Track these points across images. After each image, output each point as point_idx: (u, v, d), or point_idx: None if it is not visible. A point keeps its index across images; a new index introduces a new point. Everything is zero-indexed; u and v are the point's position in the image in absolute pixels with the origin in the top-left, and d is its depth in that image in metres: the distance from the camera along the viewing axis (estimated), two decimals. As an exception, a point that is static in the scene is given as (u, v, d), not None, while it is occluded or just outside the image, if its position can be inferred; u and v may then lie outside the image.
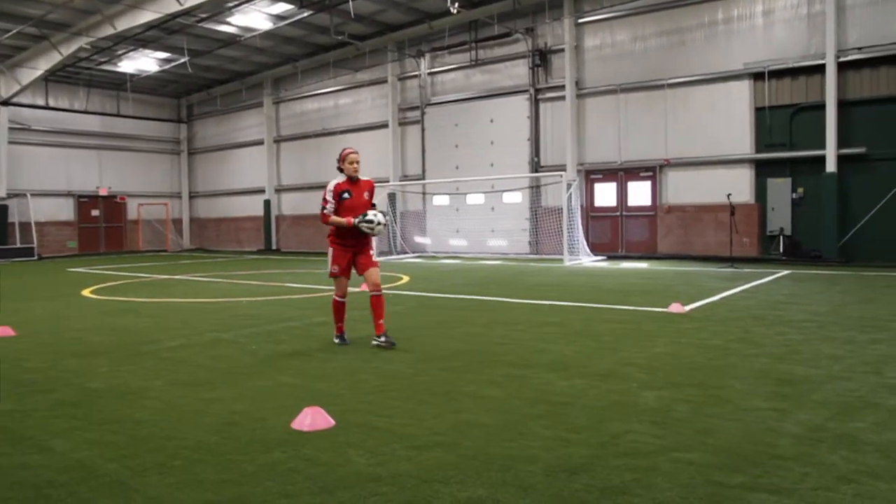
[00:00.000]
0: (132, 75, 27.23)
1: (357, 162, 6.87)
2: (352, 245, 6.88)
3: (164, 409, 4.59)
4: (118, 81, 28.35)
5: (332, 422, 4.15)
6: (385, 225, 6.87)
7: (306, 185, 28.49)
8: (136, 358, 6.41)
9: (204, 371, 5.80)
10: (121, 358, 6.41)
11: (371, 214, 6.73)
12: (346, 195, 6.79)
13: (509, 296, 10.87)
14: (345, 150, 6.93)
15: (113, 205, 30.33)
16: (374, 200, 7.06)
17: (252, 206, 30.50)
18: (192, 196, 33.63)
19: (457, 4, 18.12)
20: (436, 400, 4.72)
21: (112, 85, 28.91)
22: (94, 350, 6.85)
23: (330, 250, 6.94)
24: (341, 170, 6.86)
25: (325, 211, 6.80)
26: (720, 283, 12.29)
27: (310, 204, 28.32)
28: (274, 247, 29.38)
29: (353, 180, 6.87)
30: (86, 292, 12.80)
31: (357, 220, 6.70)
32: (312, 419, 4.12)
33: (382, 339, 6.71)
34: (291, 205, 29.28)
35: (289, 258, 23.65)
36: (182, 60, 24.22)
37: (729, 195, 16.24)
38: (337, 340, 7.01)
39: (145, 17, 18.86)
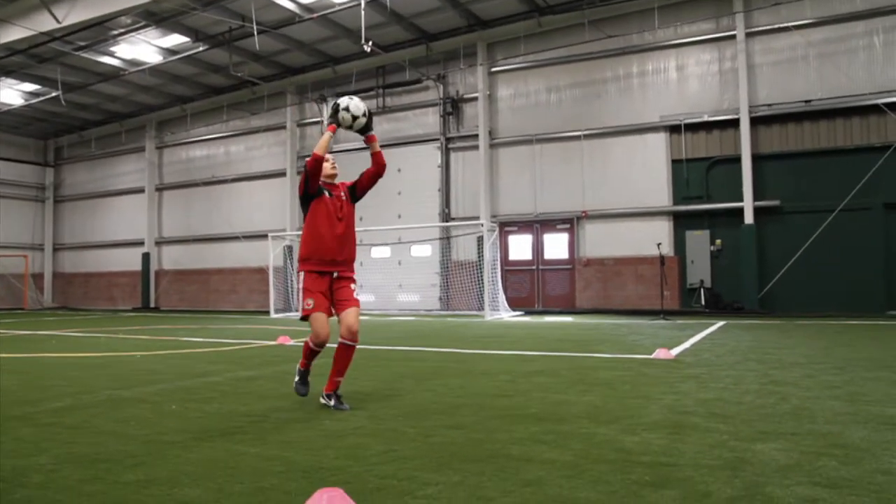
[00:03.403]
0: (-9, 109, 24.15)
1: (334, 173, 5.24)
2: (328, 267, 5.02)
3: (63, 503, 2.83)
4: (-28, 116, 25.10)
5: (362, 511, 2.59)
6: (363, 114, 4.95)
7: (191, 238, 26.04)
8: (2, 425, 4.47)
9: (114, 440, 3.99)
10: (-22, 425, 4.46)
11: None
12: (325, 192, 5.06)
13: (458, 347, 9.48)
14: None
15: (-42, 256, 26.48)
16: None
17: (128, 260, 27.51)
18: (57, 248, 30.06)
19: (370, 43, 17.04)
20: (484, 468, 3.24)
21: (-36, 120, 25.58)
22: (-64, 416, 4.82)
23: (302, 278, 5.14)
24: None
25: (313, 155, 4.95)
26: (671, 332, 11.48)
27: (195, 257, 25.89)
28: (152, 304, 26.44)
29: (332, 186, 5.20)
30: (-78, 349, 10.20)
31: (329, 118, 4.92)
32: (330, 508, 2.53)
33: (332, 401, 4.95)
34: (173, 258, 26.62)
35: (172, 316, 21.06)
36: (53, 94, 21.65)
37: (659, 244, 15.77)
38: (297, 378, 5.19)
39: (13, 34, 16.44)
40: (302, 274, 5.11)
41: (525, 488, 2.93)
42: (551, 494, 2.84)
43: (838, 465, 3.20)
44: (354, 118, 4.93)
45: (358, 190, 5.26)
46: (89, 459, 3.53)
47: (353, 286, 5.14)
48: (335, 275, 5.06)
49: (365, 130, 5.04)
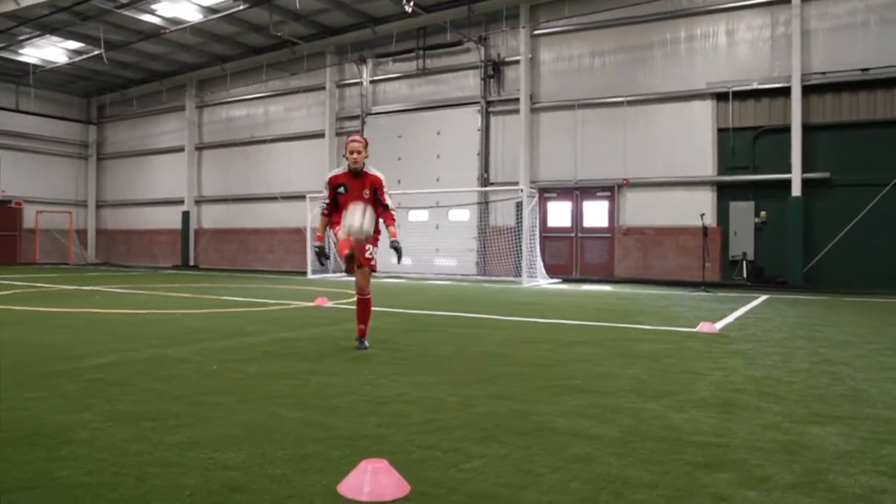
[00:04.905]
0: (36, 66, 24.40)
1: (357, 151, 5.75)
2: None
3: (109, 463, 2.82)
4: (18, 73, 25.39)
5: (407, 485, 2.54)
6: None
7: (230, 197, 26.27)
8: (48, 380, 4.53)
9: (157, 398, 4.01)
10: (26, 379, 4.52)
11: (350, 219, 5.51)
12: (341, 189, 5.84)
13: (497, 313, 9.41)
14: (348, 136, 6.00)
15: (6, 210, 27.06)
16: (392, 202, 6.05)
17: (168, 218, 27.91)
18: (100, 205, 30.62)
19: (412, 3, 16.76)
20: (530, 442, 3.17)
21: (10, 76, 25.90)
22: (-15, 368, 4.91)
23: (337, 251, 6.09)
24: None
25: (321, 209, 6.02)
26: (713, 304, 11.26)
27: (234, 217, 26.15)
28: (192, 263, 26.87)
29: (354, 173, 5.83)
30: (-29, 301, 10.48)
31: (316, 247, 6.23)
32: (374, 480, 2.48)
33: (356, 343, 6.02)
34: (213, 217, 26.93)
35: (211, 274, 21.37)
36: (96, 52, 21.82)
37: (702, 215, 15.40)
38: (356, 344, 6.07)
39: (58, -9, 16.57)
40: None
41: (574, 464, 2.85)
42: (601, 472, 2.75)
43: (892, 453, 3.05)
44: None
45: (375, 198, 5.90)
46: (133, 418, 3.54)
47: (368, 247, 5.80)
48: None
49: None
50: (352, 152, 5.72)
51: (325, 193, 5.92)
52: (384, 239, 6.01)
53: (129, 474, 2.67)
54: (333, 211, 5.89)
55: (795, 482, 2.65)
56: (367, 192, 5.79)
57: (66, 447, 3.03)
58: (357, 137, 5.84)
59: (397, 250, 5.72)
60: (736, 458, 2.96)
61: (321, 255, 6.11)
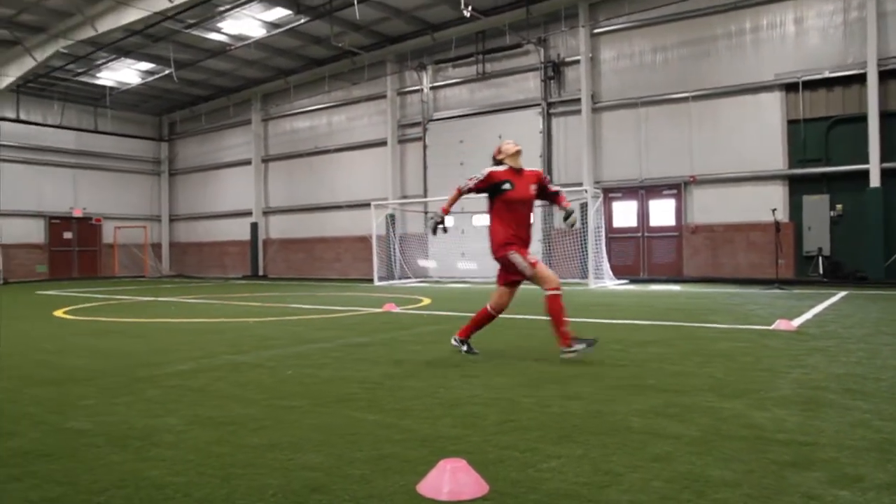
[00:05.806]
0: (112, 89, 25.50)
1: (520, 152, 5.82)
2: (522, 240, 5.74)
3: (194, 464, 2.92)
4: (96, 96, 26.58)
5: (486, 485, 2.53)
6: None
7: (296, 207, 26.83)
8: (132, 386, 4.71)
9: (236, 403, 4.13)
10: (112, 386, 4.71)
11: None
12: (507, 186, 5.64)
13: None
14: (502, 144, 5.89)
15: (87, 227, 28.30)
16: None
17: (237, 230, 28.68)
18: (173, 219, 31.70)
19: (470, 7, 16.81)
20: (606, 441, 3.12)
21: (89, 99, 27.11)
22: (74, 376, 5.14)
23: (516, 255, 5.64)
24: (499, 163, 5.80)
25: (464, 188, 5.76)
26: (789, 301, 10.87)
27: (300, 227, 26.69)
28: (261, 272, 27.53)
29: (517, 171, 5.75)
30: (59, 313, 10.98)
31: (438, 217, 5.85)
32: (453, 479, 2.49)
33: (577, 347, 5.48)
34: (280, 228, 27.54)
35: (280, 283, 21.85)
36: (166, 72, 22.62)
37: (774, 210, 14.92)
38: (463, 347, 5.99)
39: (130, 16, 17.23)
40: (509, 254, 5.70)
41: (653, 464, 2.79)
42: (682, 471, 2.69)
43: None
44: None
45: (540, 192, 5.89)
46: (214, 422, 3.65)
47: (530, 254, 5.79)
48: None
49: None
50: (516, 153, 5.75)
51: (476, 180, 5.67)
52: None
53: (214, 475, 2.75)
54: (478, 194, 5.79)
55: (891, 482, 2.54)
56: (533, 188, 5.77)
57: (154, 449, 3.14)
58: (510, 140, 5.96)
59: (571, 215, 5.85)
60: (825, 456, 2.85)
61: (439, 224, 5.81)
